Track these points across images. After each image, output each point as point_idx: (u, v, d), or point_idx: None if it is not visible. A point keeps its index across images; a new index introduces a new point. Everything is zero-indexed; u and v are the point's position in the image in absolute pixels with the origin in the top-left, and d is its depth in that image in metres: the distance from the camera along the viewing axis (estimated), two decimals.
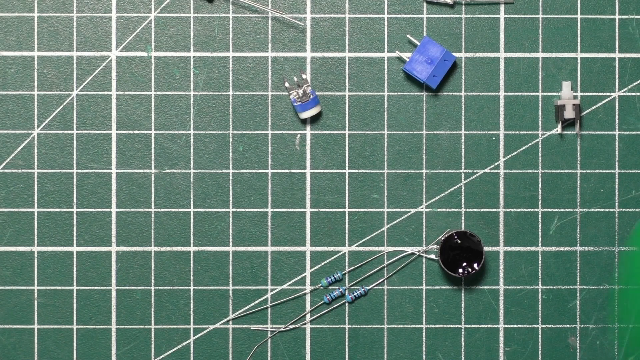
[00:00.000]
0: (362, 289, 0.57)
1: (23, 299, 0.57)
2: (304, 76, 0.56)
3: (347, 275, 0.57)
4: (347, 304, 0.57)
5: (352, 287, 0.57)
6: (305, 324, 0.57)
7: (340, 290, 0.57)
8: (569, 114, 0.56)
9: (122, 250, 0.57)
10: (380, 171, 0.57)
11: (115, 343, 0.57)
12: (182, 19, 0.57)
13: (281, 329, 0.57)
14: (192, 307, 0.57)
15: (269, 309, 0.57)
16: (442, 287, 0.57)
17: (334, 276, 0.57)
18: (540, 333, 0.57)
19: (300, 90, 0.56)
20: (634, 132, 0.57)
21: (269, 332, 0.57)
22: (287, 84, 0.56)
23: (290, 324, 0.57)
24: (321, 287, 0.57)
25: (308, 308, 0.57)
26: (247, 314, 0.57)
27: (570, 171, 0.57)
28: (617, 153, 0.57)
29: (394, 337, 0.57)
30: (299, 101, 0.56)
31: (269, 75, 0.57)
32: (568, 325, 0.57)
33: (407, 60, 0.56)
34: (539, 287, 0.57)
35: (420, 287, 0.57)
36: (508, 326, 0.57)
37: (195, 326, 0.57)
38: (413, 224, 0.57)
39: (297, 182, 0.57)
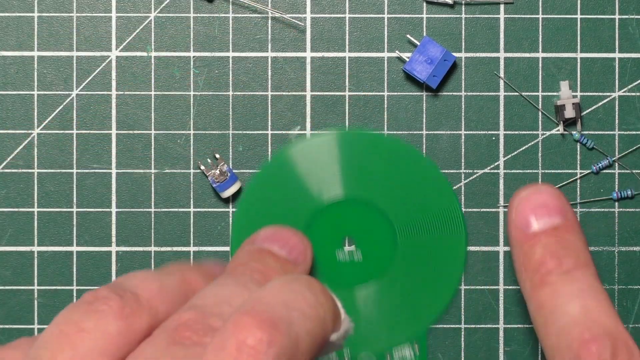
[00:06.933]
0: (630, 191, 0.56)
1: (23, 299, 0.57)
2: (217, 156, 0.56)
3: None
4: None
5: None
6: None
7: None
8: (569, 113, 0.56)
9: (122, 250, 0.57)
10: None
11: None
12: (182, 19, 0.57)
13: None
14: None
15: None
16: None
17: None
18: None
19: (217, 170, 0.56)
20: (634, 132, 0.57)
21: None
22: (202, 167, 0.56)
23: None
24: None
25: None
26: None
27: (570, 171, 0.57)
28: (617, 153, 0.57)
29: None
30: (217, 181, 0.56)
31: (269, 75, 0.57)
32: None
33: (407, 60, 0.56)
34: None
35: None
36: (508, 326, 0.57)
37: None
38: None
39: None
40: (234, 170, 0.57)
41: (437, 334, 0.57)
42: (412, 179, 0.56)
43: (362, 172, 0.56)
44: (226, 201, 0.57)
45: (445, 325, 0.57)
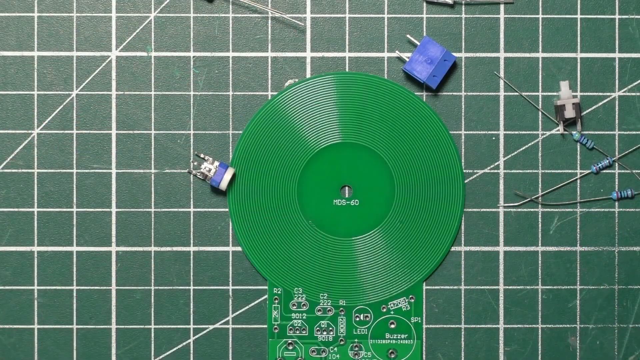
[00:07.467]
0: (630, 191, 0.57)
1: (23, 299, 0.57)
2: (202, 155, 0.56)
3: None
4: None
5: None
6: None
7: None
8: (569, 113, 0.56)
9: (122, 250, 0.57)
10: None
11: (115, 343, 0.57)
12: (182, 19, 0.57)
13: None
14: (192, 307, 0.57)
15: None
16: (442, 287, 0.57)
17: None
18: (540, 333, 0.57)
19: (199, 172, 0.56)
20: (634, 132, 0.57)
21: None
22: (194, 172, 0.56)
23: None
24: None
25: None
26: (247, 314, 0.57)
27: (570, 171, 0.57)
28: (617, 153, 0.57)
29: None
30: (208, 180, 0.56)
31: (269, 75, 0.57)
32: (568, 325, 0.57)
33: (407, 60, 0.56)
34: (539, 287, 0.57)
35: (420, 287, 0.57)
36: (508, 326, 0.57)
37: (195, 326, 0.57)
38: None
39: None
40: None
41: (437, 333, 0.57)
42: (411, 126, 0.56)
43: (360, 116, 0.56)
44: (226, 195, 0.57)
45: (445, 325, 0.57)
